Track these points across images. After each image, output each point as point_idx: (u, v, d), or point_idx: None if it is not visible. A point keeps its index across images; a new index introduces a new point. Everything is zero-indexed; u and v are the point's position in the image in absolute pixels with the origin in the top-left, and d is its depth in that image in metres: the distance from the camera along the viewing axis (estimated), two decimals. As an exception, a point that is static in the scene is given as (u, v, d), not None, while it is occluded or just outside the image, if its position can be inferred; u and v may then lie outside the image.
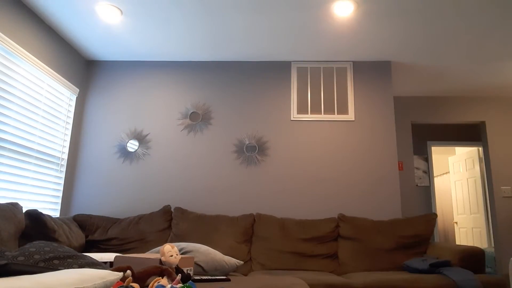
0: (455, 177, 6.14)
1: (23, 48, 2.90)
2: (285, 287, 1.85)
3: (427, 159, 5.43)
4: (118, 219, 3.35)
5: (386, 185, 3.56)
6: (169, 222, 3.31)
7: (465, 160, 5.83)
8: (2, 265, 1.06)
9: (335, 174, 3.60)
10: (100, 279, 1.14)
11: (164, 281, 1.48)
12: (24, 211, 2.54)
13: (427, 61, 3.83)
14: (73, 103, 3.68)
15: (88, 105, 3.82)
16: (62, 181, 3.51)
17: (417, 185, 5.33)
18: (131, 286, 1.31)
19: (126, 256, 1.92)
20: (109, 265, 2.41)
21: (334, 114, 3.72)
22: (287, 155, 3.65)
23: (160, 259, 1.79)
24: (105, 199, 3.60)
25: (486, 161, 4.79)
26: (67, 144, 3.59)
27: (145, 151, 3.69)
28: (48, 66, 3.23)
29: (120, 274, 1.26)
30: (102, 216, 3.34)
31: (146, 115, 3.78)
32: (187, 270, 2.04)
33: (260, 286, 1.86)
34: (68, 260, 1.50)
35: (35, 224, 2.50)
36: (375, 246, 3.09)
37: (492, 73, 4.13)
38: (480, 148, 5.52)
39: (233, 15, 3.05)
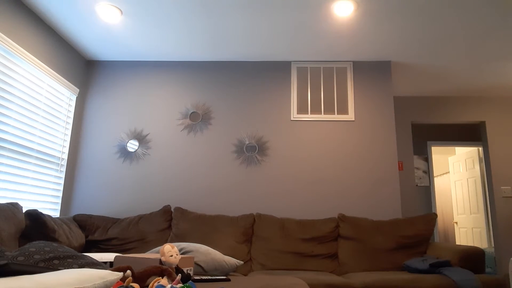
0: (455, 177, 6.14)
1: (23, 48, 2.90)
2: (285, 287, 1.85)
3: (427, 159, 5.43)
4: (118, 219, 3.35)
5: (386, 185, 3.56)
6: (169, 222, 3.31)
7: (465, 160, 5.83)
8: (2, 265, 1.06)
9: (335, 174, 3.60)
10: (100, 279, 1.14)
11: (164, 281, 1.48)
12: (24, 211, 2.54)
13: (427, 61, 3.83)
14: (73, 103, 3.68)
15: (88, 105, 3.82)
16: (62, 181, 3.51)
17: (417, 185, 5.33)
18: (131, 286, 1.31)
19: (126, 256, 1.92)
20: (109, 265, 2.41)
21: (334, 114, 3.72)
22: (287, 155, 3.65)
23: (160, 259, 1.79)
24: (105, 199, 3.60)
25: (486, 161, 4.79)
26: (67, 144, 3.59)
27: (145, 151, 3.69)
28: (48, 66, 3.23)
29: (120, 274, 1.26)
30: (102, 216, 3.34)
31: (146, 115, 3.78)
32: (187, 270, 2.04)
33: (260, 286, 1.86)
34: (68, 260, 1.50)
35: (35, 224, 2.50)
36: (375, 246, 3.09)
37: (492, 73, 4.13)
38: (480, 148, 5.52)
39: (233, 15, 3.05)
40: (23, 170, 2.95)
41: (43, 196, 3.23)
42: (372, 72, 3.81)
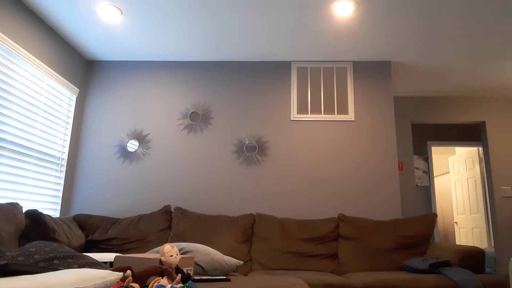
0: (455, 177, 6.14)
1: (23, 48, 2.90)
2: (285, 287, 1.85)
3: (427, 159, 5.43)
4: (118, 219, 3.35)
5: (386, 185, 3.56)
6: (169, 222, 3.31)
7: (465, 160, 5.83)
8: (2, 265, 1.06)
9: (335, 174, 3.60)
10: (100, 279, 1.14)
11: (164, 281, 1.48)
12: (24, 211, 2.54)
13: (427, 61, 3.83)
14: (73, 103, 3.68)
15: (88, 105, 3.82)
16: (62, 181, 3.51)
17: (417, 185, 5.33)
18: (131, 286, 1.31)
19: (126, 256, 1.92)
20: (109, 265, 2.41)
21: (334, 114, 3.72)
22: (287, 155, 3.65)
23: (160, 259, 1.79)
24: (105, 199, 3.60)
25: (486, 161, 4.79)
26: (67, 144, 3.59)
27: (145, 151, 3.69)
28: (48, 66, 3.23)
29: (120, 274, 1.26)
30: (102, 216, 3.34)
31: (146, 115, 3.78)
32: (187, 270, 2.04)
33: (260, 286, 1.86)
34: (68, 260, 1.50)
35: (35, 224, 2.50)
36: (375, 246, 3.09)
37: (492, 73, 4.13)
38: (480, 148, 5.52)
39: (233, 15, 3.05)
40: (23, 170, 2.95)
41: (43, 196, 3.23)
42: (372, 72, 3.81)
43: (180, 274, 1.50)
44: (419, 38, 3.37)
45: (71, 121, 3.64)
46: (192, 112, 3.77)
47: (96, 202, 3.59)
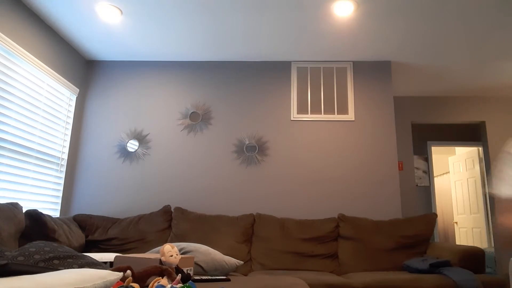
0: (455, 177, 6.14)
1: (23, 48, 2.90)
2: (285, 287, 1.85)
3: (427, 159, 5.43)
4: (118, 219, 3.35)
5: (386, 185, 3.56)
6: (169, 222, 3.31)
7: (465, 160, 5.83)
8: (2, 265, 1.06)
9: (335, 174, 3.59)
10: (100, 279, 1.14)
11: (164, 281, 1.48)
12: (24, 211, 2.54)
13: (427, 61, 3.83)
14: (73, 103, 3.68)
15: (88, 105, 3.82)
16: (62, 181, 3.51)
17: (417, 185, 5.33)
18: (131, 286, 1.31)
19: (126, 256, 1.92)
20: (109, 265, 2.41)
21: (334, 114, 3.72)
22: (287, 155, 3.65)
23: (160, 259, 1.79)
24: (105, 199, 3.60)
25: (486, 161, 4.79)
26: (67, 144, 3.59)
27: (145, 151, 3.69)
28: (48, 66, 3.23)
29: (120, 274, 1.26)
30: (102, 216, 3.34)
31: (146, 115, 3.78)
32: (187, 270, 2.04)
33: (260, 286, 1.86)
34: (68, 260, 1.50)
35: (35, 224, 2.50)
36: (375, 246, 3.09)
37: (492, 73, 4.12)
38: (480, 148, 5.52)
39: (233, 15, 3.05)
40: (23, 170, 2.95)
41: (43, 196, 3.23)
42: (372, 72, 3.81)
43: (180, 274, 1.50)
44: (419, 38, 3.37)
45: (71, 121, 3.64)
46: (192, 112, 3.77)
47: (96, 202, 3.59)
